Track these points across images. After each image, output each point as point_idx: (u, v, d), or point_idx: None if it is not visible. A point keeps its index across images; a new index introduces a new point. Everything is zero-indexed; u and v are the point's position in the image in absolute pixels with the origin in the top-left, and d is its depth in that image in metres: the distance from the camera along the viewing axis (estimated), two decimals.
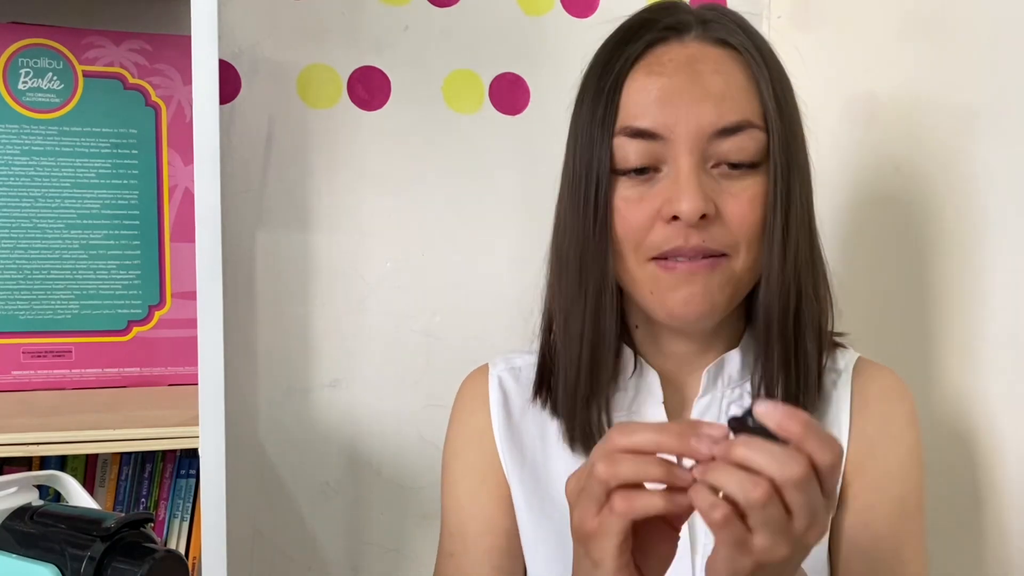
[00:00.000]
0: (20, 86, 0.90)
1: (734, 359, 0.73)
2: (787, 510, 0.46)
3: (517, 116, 1.10)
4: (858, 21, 1.03)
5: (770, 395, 0.70)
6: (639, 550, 0.52)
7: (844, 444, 0.71)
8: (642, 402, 0.73)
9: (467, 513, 0.76)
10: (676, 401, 0.74)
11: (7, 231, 0.90)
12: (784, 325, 0.68)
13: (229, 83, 1.01)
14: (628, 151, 0.66)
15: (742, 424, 0.48)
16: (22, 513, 0.50)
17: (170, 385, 0.95)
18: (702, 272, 0.66)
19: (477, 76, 1.09)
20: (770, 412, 0.47)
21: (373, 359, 1.08)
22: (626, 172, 0.67)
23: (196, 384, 0.75)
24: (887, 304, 0.98)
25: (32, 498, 0.53)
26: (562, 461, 0.73)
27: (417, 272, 1.08)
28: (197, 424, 0.75)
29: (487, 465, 0.76)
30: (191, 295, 0.92)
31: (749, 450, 0.46)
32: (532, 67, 1.10)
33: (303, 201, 1.05)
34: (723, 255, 0.66)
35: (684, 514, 0.50)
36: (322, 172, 1.05)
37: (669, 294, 0.66)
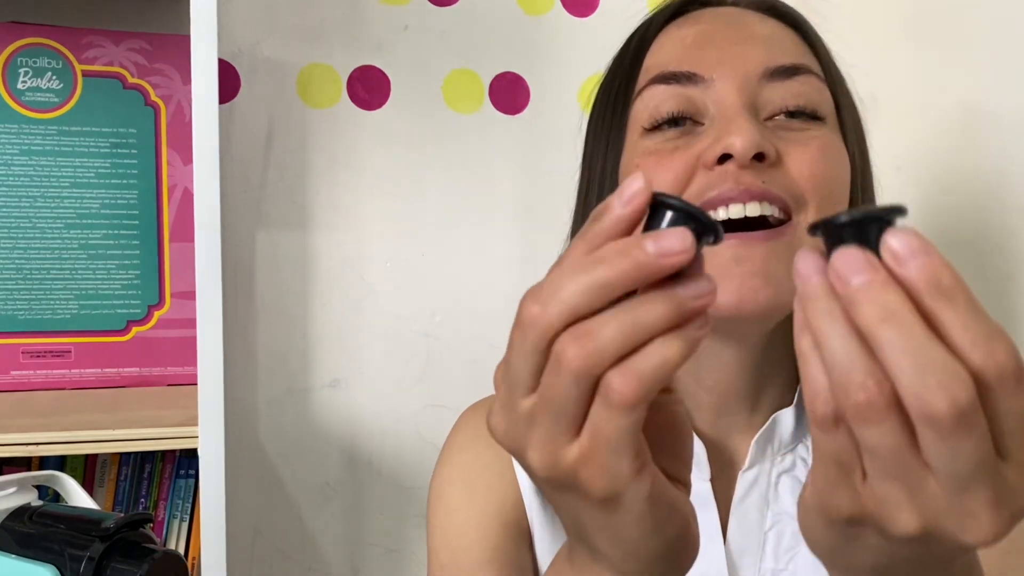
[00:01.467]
0: (19, 86, 0.90)
1: (787, 420, 0.58)
2: (920, 455, 0.27)
3: (517, 116, 1.10)
4: (859, 21, 1.03)
5: None
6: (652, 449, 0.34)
7: None
8: None
9: (470, 540, 0.61)
10: (717, 468, 0.59)
11: (6, 231, 0.90)
12: None
13: (229, 83, 1.01)
14: (661, 99, 0.55)
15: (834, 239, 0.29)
16: (21, 513, 0.50)
17: (169, 385, 0.95)
18: (759, 243, 0.51)
19: (477, 76, 1.09)
20: (907, 245, 0.27)
21: (373, 359, 1.07)
22: (658, 126, 0.55)
23: (195, 384, 0.75)
24: None
25: (31, 498, 0.53)
26: None
27: (417, 272, 1.08)
28: (196, 424, 0.75)
29: (506, 501, 0.62)
30: (190, 295, 0.92)
31: (883, 322, 0.27)
32: (532, 67, 1.10)
33: (303, 201, 1.05)
34: (783, 222, 0.51)
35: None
36: (322, 172, 1.05)
37: (717, 276, 0.50)
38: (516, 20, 1.10)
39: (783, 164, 0.52)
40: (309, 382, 1.06)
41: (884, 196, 0.95)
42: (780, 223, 0.52)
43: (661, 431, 0.34)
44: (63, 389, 0.92)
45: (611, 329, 0.30)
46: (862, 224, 0.28)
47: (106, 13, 0.94)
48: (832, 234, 0.29)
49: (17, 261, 0.91)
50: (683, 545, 0.35)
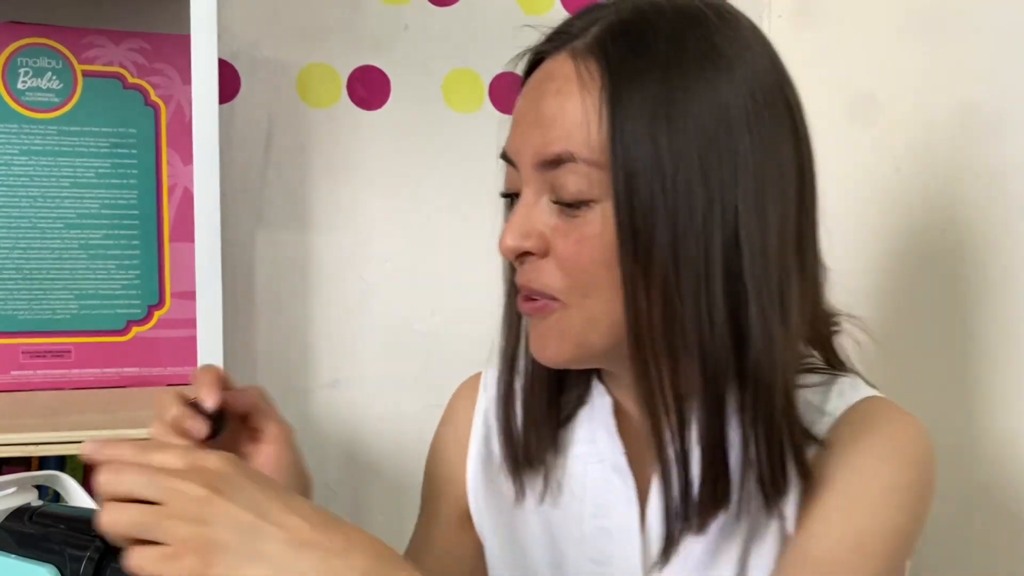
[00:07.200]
0: (19, 85, 0.90)
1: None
2: None
3: None
4: (859, 20, 1.03)
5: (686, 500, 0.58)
6: None
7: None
8: (597, 429, 0.67)
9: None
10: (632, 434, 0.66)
11: (6, 231, 0.90)
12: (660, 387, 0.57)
13: (228, 82, 1.01)
14: (503, 175, 0.64)
15: None
16: (21, 513, 0.50)
17: (169, 385, 0.95)
18: (534, 316, 0.61)
19: (477, 75, 1.09)
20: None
21: (373, 359, 1.07)
22: (507, 197, 0.65)
23: None
24: (888, 305, 0.97)
25: (31, 498, 0.53)
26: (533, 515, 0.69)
27: (417, 272, 1.08)
28: None
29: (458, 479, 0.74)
30: (190, 295, 0.92)
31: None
32: None
33: (303, 201, 1.05)
34: (552, 299, 0.58)
35: None
36: (322, 172, 1.05)
37: (530, 333, 0.62)
38: (516, 20, 1.10)
39: (554, 256, 0.58)
40: (309, 382, 1.06)
41: (877, 200, 0.95)
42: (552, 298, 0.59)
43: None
44: (63, 389, 0.92)
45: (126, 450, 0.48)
46: None
47: (106, 13, 0.94)
48: None
49: (17, 261, 0.91)
50: None
